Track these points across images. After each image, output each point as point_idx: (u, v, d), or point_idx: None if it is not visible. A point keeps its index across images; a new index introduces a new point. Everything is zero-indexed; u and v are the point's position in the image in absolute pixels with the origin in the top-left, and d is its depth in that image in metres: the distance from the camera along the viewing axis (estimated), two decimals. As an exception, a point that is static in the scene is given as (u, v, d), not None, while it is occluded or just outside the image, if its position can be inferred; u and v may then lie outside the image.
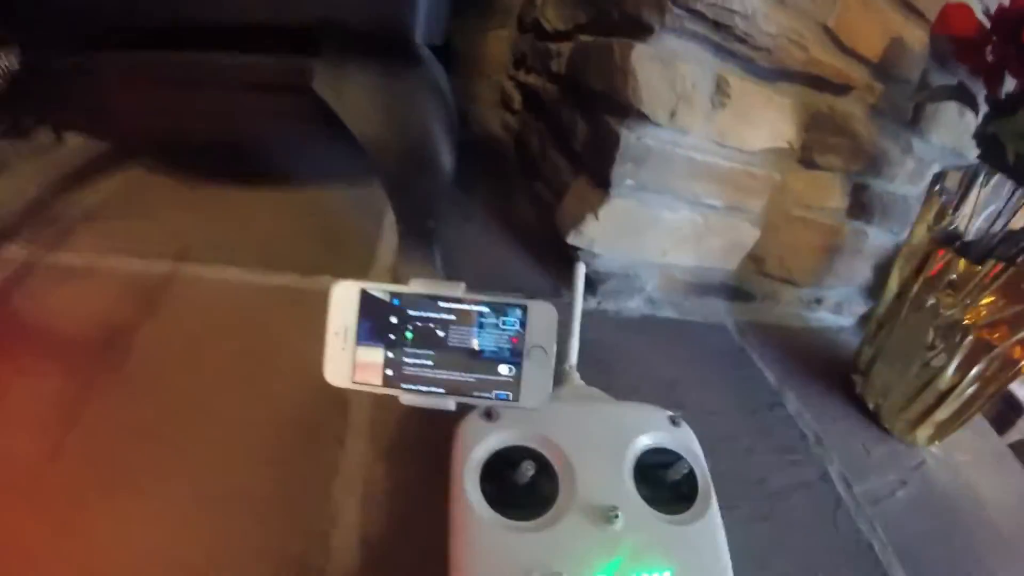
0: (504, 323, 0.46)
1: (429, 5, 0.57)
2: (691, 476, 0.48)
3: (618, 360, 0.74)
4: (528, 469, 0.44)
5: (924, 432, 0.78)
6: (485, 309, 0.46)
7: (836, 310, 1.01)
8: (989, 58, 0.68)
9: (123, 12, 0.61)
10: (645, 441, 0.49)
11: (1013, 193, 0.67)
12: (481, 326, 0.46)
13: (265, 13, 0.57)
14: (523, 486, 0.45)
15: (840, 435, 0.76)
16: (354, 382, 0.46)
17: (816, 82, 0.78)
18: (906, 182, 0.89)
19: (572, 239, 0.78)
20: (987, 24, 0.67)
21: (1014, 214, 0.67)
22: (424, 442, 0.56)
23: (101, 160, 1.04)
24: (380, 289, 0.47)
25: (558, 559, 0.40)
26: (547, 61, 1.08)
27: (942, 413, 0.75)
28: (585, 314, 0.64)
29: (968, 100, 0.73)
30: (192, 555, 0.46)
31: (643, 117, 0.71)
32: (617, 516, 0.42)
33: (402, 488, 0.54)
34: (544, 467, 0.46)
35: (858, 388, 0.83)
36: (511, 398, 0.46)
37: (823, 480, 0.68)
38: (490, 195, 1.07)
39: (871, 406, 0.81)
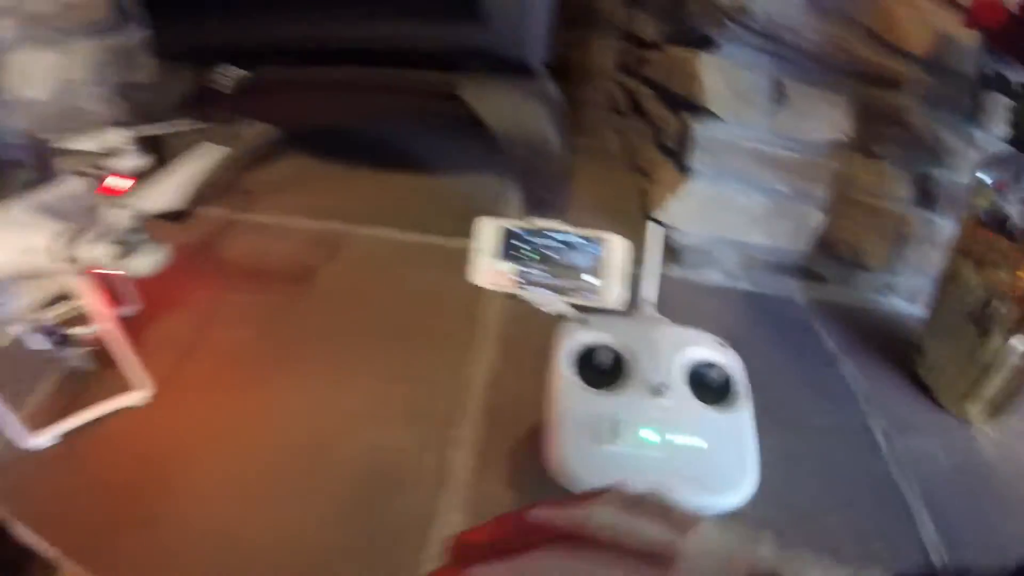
0: (593, 248, 0.79)
1: (539, 34, 0.93)
2: (729, 382, 0.75)
3: (692, 316, 0.90)
4: (604, 355, 0.72)
5: (976, 408, 0.87)
6: (581, 239, 0.79)
7: (909, 298, 1.14)
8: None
9: (320, 39, 1.00)
10: (696, 352, 0.76)
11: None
12: (578, 249, 0.79)
13: (430, 43, 0.97)
14: (601, 368, 0.73)
15: (889, 400, 0.89)
16: (493, 283, 0.79)
17: (866, 79, 0.98)
18: (971, 172, 0.95)
19: (658, 216, 1.05)
20: (1017, 13, 0.78)
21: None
22: (533, 348, 0.83)
23: (271, 148, 1.43)
24: (514, 224, 0.81)
25: (620, 412, 0.68)
26: (643, 67, 1.38)
27: (991, 387, 0.84)
28: (668, 279, 0.92)
29: (1005, 88, 0.87)
30: (354, 406, 0.79)
31: (712, 115, 0.99)
32: (664, 390, 0.69)
33: (514, 372, 0.85)
34: (616, 356, 0.74)
35: (915, 364, 0.95)
36: (596, 298, 0.78)
37: (864, 430, 0.83)
38: (599, 187, 1.36)
39: (924, 380, 0.92)
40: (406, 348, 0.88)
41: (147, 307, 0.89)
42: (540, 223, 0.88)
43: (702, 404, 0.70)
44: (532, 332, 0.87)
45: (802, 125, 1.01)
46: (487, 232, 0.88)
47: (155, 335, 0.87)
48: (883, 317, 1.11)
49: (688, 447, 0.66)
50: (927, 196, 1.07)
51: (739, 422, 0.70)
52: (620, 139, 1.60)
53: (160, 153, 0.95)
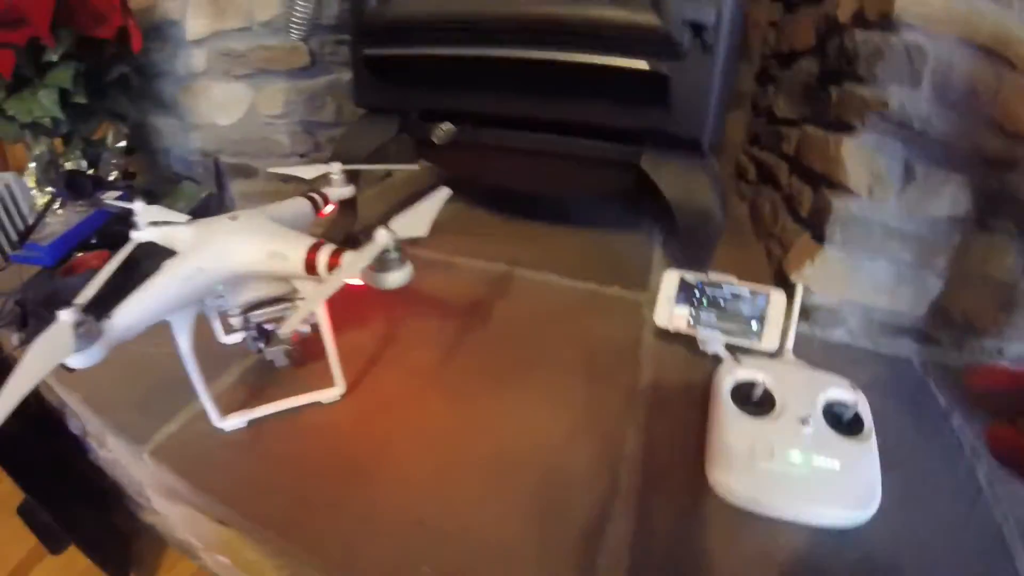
0: (756, 300, 0.94)
1: (713, 119, 1.10)
2: (859, 418, 0.87)
3: (821, 367, 1.02)
4: (759, 388, 0.87)
5: None
6: (746, 292, 0.94)
7: (1017, 362, 1.19)
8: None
9: (519, 111, 1.19)
10: (832, 392, 0.89)
11: None
12: (743, 299, 0.96)
13: (611, 120, 1.15)
14: (754, 399, 0.87)
15: None
16: (671, 325, 0.96)
17: (985, 161, 1.06)
18: None
19: (794, 278, 1.17)
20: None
21: None
22: (686, 396, 0.98)
23: (427, 191, 1.60)
24: (691, 276, 1.01)
25: (774, 439, 0.82)
26: (779, 142, 1.51)
27: None
28: (798, 335, 1.04)
29: None
30: (531, 425, 0.87)
31: (849, 191, 1.11)
32: (809, 421, 0.83)
33: (668, 413, 0.95)
34: (767, 391, 0.88)
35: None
36: (757, 342, 0.93)
37: (969, 475, 0.88)
38: (729, 248, 1.45)
39: None
40: (575, 379, 0.99)
41: (331, 321, 0.92)
42: (714, 276, 1.05)
43: (836, 434, 0.83)
44: (684, 372, 1.01)
45: (927, 202, 1.10)
46: (669, 280, 1.06)
47: (342, 346, 0.91)
48: None
49: (826, 468, 0.79)
50: None
51: (866, 451, 0.82)
52: (749, 209, 1.73)
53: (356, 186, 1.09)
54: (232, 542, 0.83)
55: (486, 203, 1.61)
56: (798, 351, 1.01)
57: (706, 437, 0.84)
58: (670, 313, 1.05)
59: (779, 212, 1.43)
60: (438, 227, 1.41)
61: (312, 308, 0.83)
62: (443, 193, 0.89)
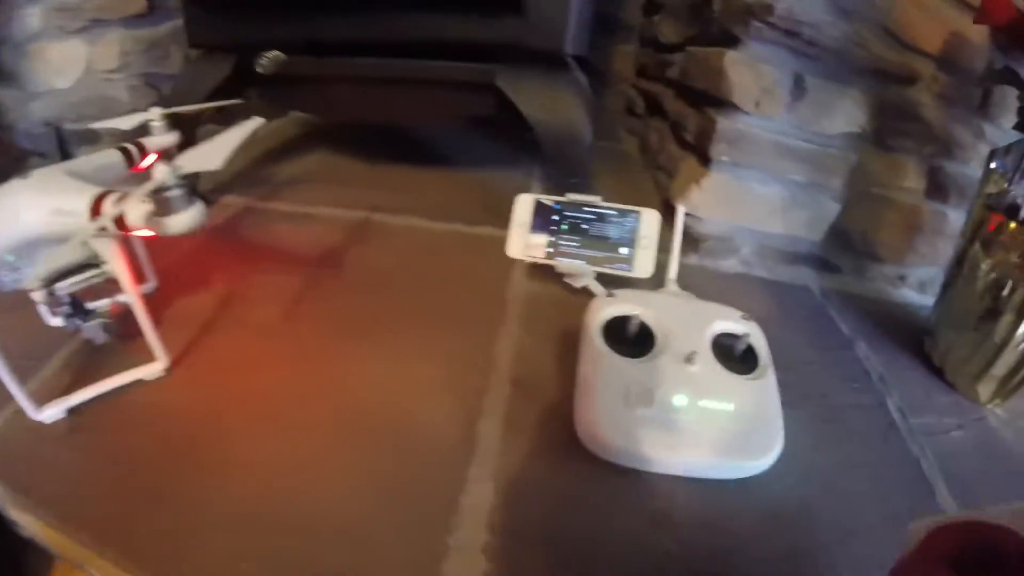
0: (625, 221, 0.80)
1: (574, 30, 0.96)
2: (752, 352, 0.76)
3: (711, 297, 0.94)
4: (634, 325, 0.74)
5: (986, 388, 0.86)
6: (613, 212, 0.80)
7: (920, 288, 1.15)
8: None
9: (359, 31, 1.04)
10: (721, 324, 0.78)
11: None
12: (610, 222, 0.80)
13: (464, 34, 1.00)
14: (631, 337, 0.74)
15: (903, 379, 0.89)
16: (527, 255, 0.80)
17: (882, 75, 1.00)
18: (980, 165, 0.94)
19: (681, 205, 1.06)
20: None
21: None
22: (560, 328, 0.87)
23: (294, 144, 1.45)
24: (548, 199, 0.83)
25: (651, 381, 0.69)
26: (663, 70, 1.39)
27: (1000, 367, 0.84)
28: (686, 266, 0.94)
29: (1014, 80, 0.86)
30: (385, 382, 0.79)
31: (734, 107, 1.00)
32: (695, 359, 0.71)
33: (540, 350, 0.85)
34: (646, 328, 0.75)
35: (927, 348, 0.95)
36: (628, 269, 0.78)
37: (879, 407, 0.83)
38: (615, 181, 1.37)
39: (936, 363, 0.92)
40: (434, 328, 0.88)
41: (165, 286, 0.87)
42: (575, 197, 0.90)
43: (728, 372, 0.72)
44: (555, 311, 0.89)
45: (820, 118, 1.02)
46: (522, 206, 0.90)
47: (174, 312, 0.86)
48: (895, 306, 1.11)
49: (717, 411, 0.67)
50: (938, 188, 1.08)
51: (764, 389, 0.72)
52: (638, 141, 1.63)
53: (191, 136, 0.96)
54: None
55: (352, 150, 1.49)
56: (689, 284, 0.90)
57: (575, 384, 0.73)
58: (525, 242, 0.91)
59: (665, 140, 1.33)
60: (297, 177, 1.30)
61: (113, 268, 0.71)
62: (251, 123, 0.75)
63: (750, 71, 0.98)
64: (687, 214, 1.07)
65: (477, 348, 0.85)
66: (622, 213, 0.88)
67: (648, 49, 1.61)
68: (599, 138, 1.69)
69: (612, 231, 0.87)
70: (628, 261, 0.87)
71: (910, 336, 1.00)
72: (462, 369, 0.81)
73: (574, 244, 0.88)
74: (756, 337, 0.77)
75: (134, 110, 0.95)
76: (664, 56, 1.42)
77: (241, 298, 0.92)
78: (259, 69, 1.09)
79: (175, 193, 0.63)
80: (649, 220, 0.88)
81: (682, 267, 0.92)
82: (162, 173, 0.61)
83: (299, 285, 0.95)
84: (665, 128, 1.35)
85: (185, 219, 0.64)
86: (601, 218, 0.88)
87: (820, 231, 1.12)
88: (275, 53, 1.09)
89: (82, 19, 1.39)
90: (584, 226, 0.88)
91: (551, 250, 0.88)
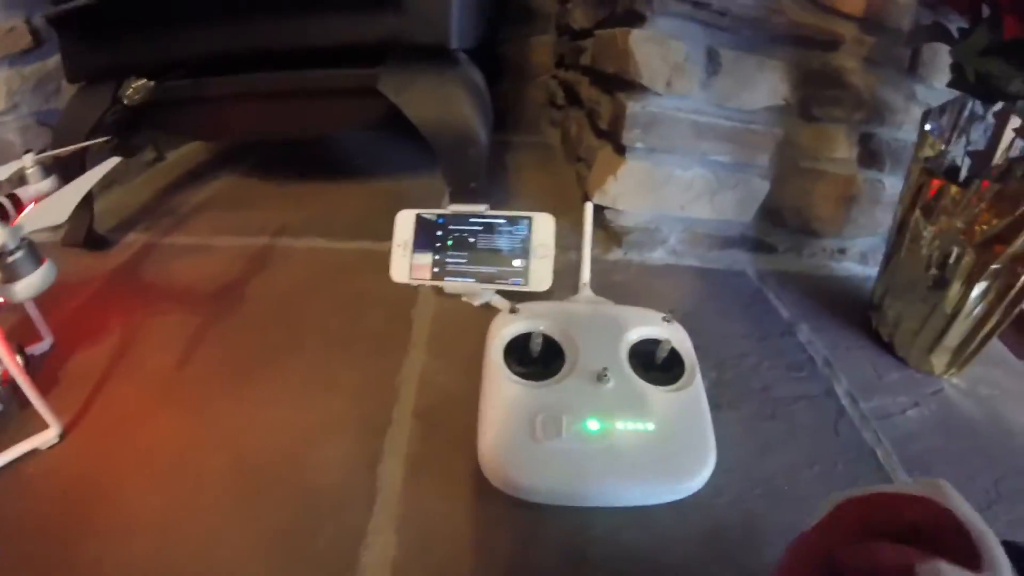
0: (516, 230, 0.69)
1: (460, 21, 0.85)
2: (676, 358, 0.66)
3: (640, 295, 0.90)
4: (537, 343, 0.64)
5: (940, 359, 0.82)
6: (502, 220, 0.69)
7: (862, 260, 1.10)
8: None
9: (225, 43, 0.91)
10: (639, 331, 0.68)
11: (984, 112, 0.76)
12: (500, 232, 0.69)
13: (341, 36, 0.88)
14: (535, 357, 0.64)
15: (851, 361, 0.84)
16: (412, 278, 0.70)
17: (803, 42, 0.92)
18: (914, 129, 0.91)
19: (597, 199, 0.97)
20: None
21: (993, 133, 0.74)
22: (466, 347, 0.76)
23: (200, 170, 1.35)
24: (429, 212, 0.72)
25: (559, 406, 0.59)
26: (578, 57, 1.30)
27: (953, 337, 0.80)
28: (611, 262, 0.84)
29: (943, 36, 0.79)
30: (285, 425, 0.69)
31: (644, 89, 0.91)
32: (608, 376, 0.61)
33: (446, 374, 0.75)
34: (554, 345, 0.65)
35: (874, 323, 0.90)
36: (523, 282, 0.67)
37: (827, 395, 0.76)
38: (537, 177, 1.29)
39: (885, 338, 0.87)
40: (336, 357, 0.79)
41: (62, 342, 0.80)
42: (457, 208, 0.77)
43: (648, 384, 0.62)
44: (464, 329, 0.79)
45: (739, 93, 0.94)
46: (403, 223, 0.77)
47: (71, 369, 0.78)
48: (837, 281, 1.06)
49: (636, 431, 0.58)
50: (872, 156, 1.01)
51: (690, 399, 0.62)
52: (560, 132, 1.53)
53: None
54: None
55: (262, 169, 1.41)
56: (613, 282, 0.80)
57: (478, 416, 0.63)
58: (408, 264, 0.77)
59: (583, 131, 1.23)
60: (203, 205, 1.18)
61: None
62: (101, 168, 0.66)
63: (658, 48, 0.89)
64: (607, 208, 0.98)
65: (380, 377, 0.75)
66: (512, 221, 0.74)
67: (565, 37, 1.51)
68: (523, 132, 1.61)
69: (503, 242, 0.74)
70: (522, 274, 0.74)
71: (855, 312, 0.94)
72: (364, 403, 0.71)
73: (461, 261, 0.75)
74: (679, 340, 0.68)
75: (29, 152, 0.86)
76: (578, 43, 1.33)
77: (137, 346, 0.84)
78: (125, 101, 0.97)
79: (18, 256, 0.55)
80: (543, 226, 0.75)
81: (607, 264, 0.84)
82: (2, 236, 0.53)
83: (196, 325, 0.86)
84: (583, 118, 1.26)
85: (33, 283, 0.57)
86: (489, 229, 0.75)
87: (750, 212, 1.04)
88: (141, 82, 0.97)
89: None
90: (471, 239, 0.75)
91: (437, 270, 0.76)
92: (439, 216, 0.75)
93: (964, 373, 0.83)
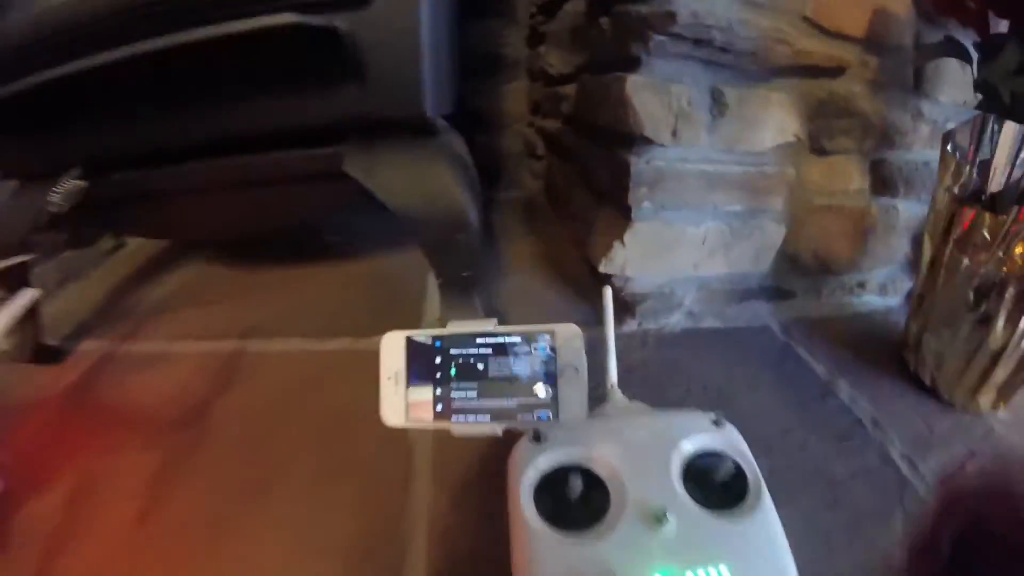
0: (536, 349, 0.51)
1: (434, 83, 0.67)
2: (739, 474, 0.50)
3: (664, 375, 0.76)
4: (576, 484, 0.48)
5: (986, 398, 0.74)
6: (517, 339, 0.51)
7: (881, 291, 0.99)
8: (971, 4, 0.68)
9: (172, 133, 0.75)
10: (689, 445, 0.52)
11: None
12: (515, 354, 0.51)
13: (297, 119, 0.71)
14: (575, 500, 0.48)
15: (898, 415, 0.74)
16: (408, 420, 0.52)
17: (809, 71, 0.81)
18: (925, 148, 0.88)
19: (603, 268, 0.83)
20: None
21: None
22: (481, 475, 0.62)
23: (163, 258, 1.17)
24: (423, 335, 0.53)
25: (615, 565, 0.43)
26: (558, 104, 1.15)
27: (1000, 374, 0.72)
28: (627, 336, 0.68)
29: (958, 51, 0.73)
30: None
31: (648, 141, 0.76)
32: (667, 518, 0.45)
33: (464, 519, 0.59)
34: (594, 481, 0.49)
35: (911, 365, 0.80)
36: (551, 416, 0.50)
37: (885, 463, 0.67)
38: (528, 241, 1.13)
39: (927, 381, 0.78)
40: (324, 498, 0.62)
41: (13, 484, 0.64)
42: (457, 328, 0.54)
43: (714, 516, 0.46)
44: (475, 447, 0.64)
45: (747, 134, 0.81)
46: (390, 349, 0.54)
47: (23, 521, 0.62)
48: (861, 319, 0.95)
49: (712, 580, 0.42)
50: (884, 182, 0.90)
51: (763, 523, 0.47)
52: (544, 185, 1.38)
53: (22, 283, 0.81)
54: None
55: (227, 255, 1.20)
56: (630, 362, 0.65)
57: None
58: (403, 402, 0.54)
59: (573, 186, 1.08)
60: (163, 303, 1.02)
61: None
62: (21, 299, 0.50)
63: (659, 96, 0.75)
64: (615, 275, 0.82)
65: (381, 524, 0.58)
66: (529, 338, 0.52)
67: (539, 83, 1.36)
68: (501, 187, 1.44)
69: (520, 366, 0.53)
70: (549, 405, 0.52)
71: (887, 352, 0.85)
72: (364, 566, 0.54)
73: (470, 394, 0.53)
74: (734, 446, 0.52)
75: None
76: (556, 89, 1.18)
77: (95, 493, 0.66)
78: (52, 208, 0.78)
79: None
80: (569, 340, 0.53)
81: (622, 338, 0.68)
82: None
83: (158, 464, 0.69)
84: (571, 171, 1.11)
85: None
86: (502, 350, 0.53)
87: (767, 260, 0.91)
88: (71, 183, 0.78)
89: None
90: (480, 366, 0.53)
91: (440, 408, 0.53)
92: (435, 339, 0.54)
93: (1007, 405, 0.75)
